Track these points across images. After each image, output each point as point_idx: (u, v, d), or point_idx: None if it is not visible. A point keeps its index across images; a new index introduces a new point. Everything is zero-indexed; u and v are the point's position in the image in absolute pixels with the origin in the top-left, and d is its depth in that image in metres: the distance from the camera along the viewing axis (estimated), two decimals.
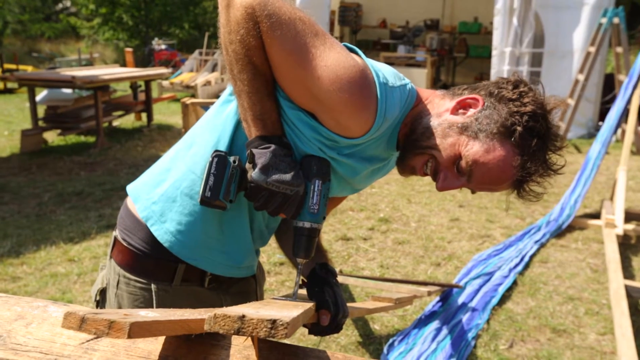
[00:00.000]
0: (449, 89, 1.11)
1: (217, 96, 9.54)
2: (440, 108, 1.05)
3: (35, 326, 0.77)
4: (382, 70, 1.03)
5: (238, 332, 0.61)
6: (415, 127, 1.05)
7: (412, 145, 1.05)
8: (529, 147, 0.96)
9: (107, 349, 0.72)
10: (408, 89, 1.07)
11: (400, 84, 1.04)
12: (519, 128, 0.96)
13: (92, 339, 0.72)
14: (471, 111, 1.02)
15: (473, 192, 1.06)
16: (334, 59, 0.96)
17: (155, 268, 1.12)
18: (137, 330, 0.59)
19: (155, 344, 0.73)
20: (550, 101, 1.00)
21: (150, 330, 0.61)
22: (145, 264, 1.12)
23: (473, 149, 0.98)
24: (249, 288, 1.27)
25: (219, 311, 0.62)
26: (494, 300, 2.93)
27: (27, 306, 0.82)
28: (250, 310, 0.67)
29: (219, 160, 0.97)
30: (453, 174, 1.02)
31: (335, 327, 1.07)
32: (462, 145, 0.99)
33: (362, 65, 1.00)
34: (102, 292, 1.22)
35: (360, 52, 1.06)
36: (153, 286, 1.12)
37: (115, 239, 1.17)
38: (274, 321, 0.60)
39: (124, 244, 1.14)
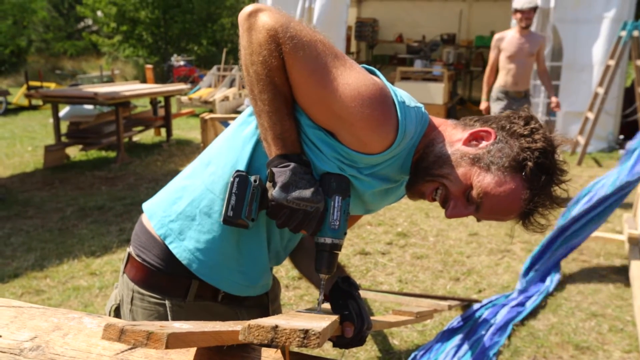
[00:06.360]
0: (460, 119, 1.15)
1: (235, 111, 9.64)
2: (453, 137, 1.09)
3: (71, 337, 0.80)
4: (399, 91, 1.07)
5: (272, 342, 0.62)
6: (427, 154, 1.08)
7: (423, 172, 1.08)
8: (538, 182, 1.01)
9: None
10: (422, 112, 1.11)
11: (414, 105, 1.08)
12: (529, 163, 1.00)
13: (127, 350, 0.74)
14: (483, 143, 1.06)
15: (479, 220, 1.10)
16: (354, 77, 1.00)
17: (169, 284, 1.14)
18: (174, 341, 0.61)
19: (187, 355, 0.75)
20: (557, 138, 1.06)
21: (186, 341, 0.63)
22: (160, 280, 1.14)
23: (485, 180, 1.02)
24: (261, 302, 1.28)
25: (253, 322, 0.64)
26: (520, 316, 2.89)
27: (63, 318, 0.85)
28: (281, 321, 0.68)
29: (240, 180, 1.00)
30: (462, 202, 1.06)
31: (359, 340, 1.08)
32: (473, 175, 1.03)
33: (381, 83, 1.04)
34: (117, 310, 1.24)
35: (378, 72, 1.10)
36: (167, 302, 1.14)
37: (130, 255, 1.19)
38: (306, 331, 0.61)
39: (139, 260, 1.16)
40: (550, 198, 1.04)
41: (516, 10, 4.93)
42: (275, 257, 1.20)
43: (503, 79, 5.07)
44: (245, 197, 0.99)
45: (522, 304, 3.00)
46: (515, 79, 5.00)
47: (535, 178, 1.01)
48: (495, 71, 5.14)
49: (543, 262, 3.35)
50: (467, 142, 1.07)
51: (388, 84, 1.07)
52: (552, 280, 3.28)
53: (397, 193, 1.24)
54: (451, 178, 1.05)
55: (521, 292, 3.14)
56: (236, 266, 1.14)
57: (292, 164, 0.99)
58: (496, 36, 5.12)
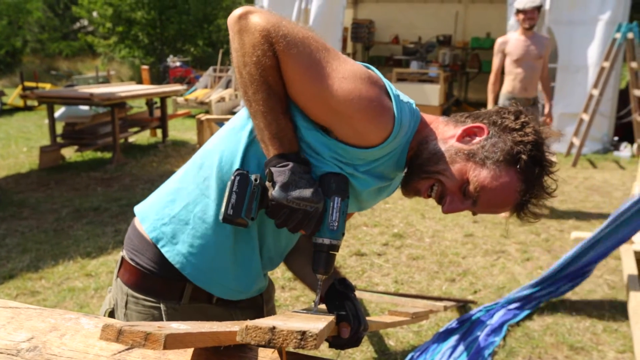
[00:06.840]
0: (451, 115, 1.16)
1: (231, 112, 9.62)
2: (445, 134, 1.10)
3: (68, 337, 0.80)
4: (393, 86, 1.09)
5: (269, 343, 0.63)
6: (421, 151, 1.10)
7: (418, 169, 1.09)
8: (532, 173, 1.04)
9: None
10: (414, 108, 1.12)
11: (407, 100, 1.10)
12: (523, 156, 1.03)
13: (124, 350, 0.75)
14: (477, 139, 1.08)
15: (474, 214, 1.12)
16: (349, 71, 1.01)
17: (164, 287, 1.14)
18: (172, 342, 0.61)
19: (184, 356, 0.75)
20: (546, 131, 1.09)
21: (184, 341, 0.63)
22: (154, 284, 1.14)
23: (481, 175, 1.04)
24: (255, 303, 1.29)
25: (251, 323, 0.64)
26: (516, 318, 2.90)
27: (60, 318, 0.85)
28: (278, 322, 0.69)
29: (241, 179, 1.00)
30: (459, 197, 1.08)
31: (355, 341, 1.08)
32: (469, 171, 1.05)
33: (376, 76, 1.06)
34: (111, 314, 1.24)
35: (373, 68, 1.11)
36: (162, 305, 1.14)
37: (123, 259, 1.19)
38: (303, 332, 0.62)
39: (132, 263, 1.16)
40: (543, 189, 1.08)
41: (518, 11, 4.53)
42: (269, 263, 1.20)
43: (510, 84, 4.62)
44: (246, 195, 0.99)
45: (520, 307, 3.00)
46: (524, 83, 4.56)
47: (529, 170, 1.04)
48: (500, 78, 4.74)
49: (570, 267, 3.11)
50: (461, 138, 1.08)
51: (383, 78, 1.08)
52: (565, 287, 3.12)
53: (389, 190, 1.26)
54: (447, 174, 1.06)
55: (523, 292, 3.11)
56: (230, 272, 1.14)
57: (291, 164, 0.99)
58: (499, 40, 4.69)
